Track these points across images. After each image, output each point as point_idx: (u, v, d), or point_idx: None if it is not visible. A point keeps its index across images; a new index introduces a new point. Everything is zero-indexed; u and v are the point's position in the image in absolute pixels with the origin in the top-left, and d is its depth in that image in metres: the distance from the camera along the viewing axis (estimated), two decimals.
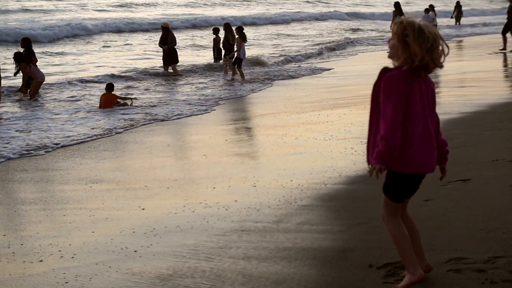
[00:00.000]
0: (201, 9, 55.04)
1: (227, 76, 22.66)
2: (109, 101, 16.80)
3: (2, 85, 17.59)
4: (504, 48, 25.10)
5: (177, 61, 24.12)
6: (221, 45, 24.52)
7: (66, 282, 5.30)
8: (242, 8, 58.20)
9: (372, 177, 4.22)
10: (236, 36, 22.12)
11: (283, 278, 4.85)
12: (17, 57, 19.34)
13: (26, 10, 46.10)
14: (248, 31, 37.19)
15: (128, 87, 21.17)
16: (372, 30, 42.17)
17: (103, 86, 18.09)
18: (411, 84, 4.23)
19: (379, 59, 24.06)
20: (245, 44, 22.33)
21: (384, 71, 4.32)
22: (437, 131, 4.48)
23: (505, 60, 22.84)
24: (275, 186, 7.73)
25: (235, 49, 22.15)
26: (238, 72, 22.06)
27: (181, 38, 35.36)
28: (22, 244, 6.45)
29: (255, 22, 47.20)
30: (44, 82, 19.43)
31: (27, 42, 19.56)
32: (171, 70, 23.95)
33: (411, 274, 4.44)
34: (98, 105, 16.91)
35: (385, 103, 4.24)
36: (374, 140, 4.34)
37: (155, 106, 16.83)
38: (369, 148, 4.39)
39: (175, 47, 23.88)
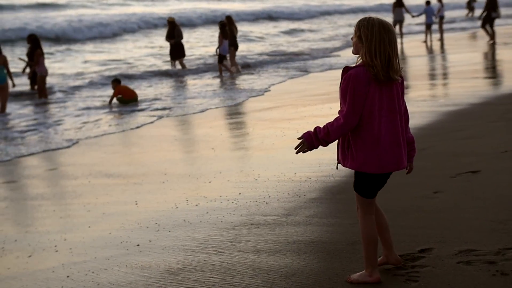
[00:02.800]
0: (230, 3, 54.72)
1: (234, 69, 22.70)
2: (130, 89, 17.00)
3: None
4: (492, 39, 25.29)
5: (184, 55, 24.15)
6: None
7: (68, 276, 5.30)
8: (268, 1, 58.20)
9: (295, 150, 4.33)
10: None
11: (293, 271, 4.84)
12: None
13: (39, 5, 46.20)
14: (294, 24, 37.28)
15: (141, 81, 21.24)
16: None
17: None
18: (370, 84, 4.17)
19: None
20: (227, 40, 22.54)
21: (345, 70, 4.27)
22: (406, 129, 4.43)
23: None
24: (283, 179, 7.72)
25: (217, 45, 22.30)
26: (219, 67, 22.12)
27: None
28: (30, 239, 6.47)
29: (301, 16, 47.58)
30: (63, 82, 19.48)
31: (34, 38, 19.42)
32: (179, 67, 23.96)
33: (368, 275, 4.46)
34: (110, 98, 16.95)
35: (342, 104, 4.23)
36: (345, 141, 4.34)
37: (166, 102, 16.87)
38: (342, 150, 4.37)
39: (181, 41, 23.89)
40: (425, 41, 28.64)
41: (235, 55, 23.29)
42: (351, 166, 4.34)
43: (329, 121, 4.28)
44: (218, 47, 22.15)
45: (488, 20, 25.65)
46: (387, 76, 4.18)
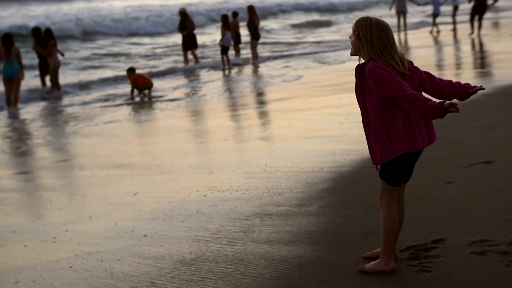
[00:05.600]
0: None
1: (254, 61, 22.71)
2: (144, 77, 17.10)
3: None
4: (472, 33, 25.35)
5: (196, 46, 24.15)
6: (239, 29, 24.60)
7: (81, 267, 5.33)
8: None
9: (456, 110, 4.23)
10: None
11: (306, 262, 4.85)
12: (46, 32, 19.16)
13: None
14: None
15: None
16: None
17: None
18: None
19: (418, 39, 23.90)
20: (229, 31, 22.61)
21: (360, 68, 4.30)
22: (436, 80, 4.48)
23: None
24: (296, 170, 7.72)
25: (221, 37, 22.47)
26: (222, 59, 22.11)
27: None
28: (43, 230, 6.51)
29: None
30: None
31: (41, 32, 19.39)
32: (191, 56, 23.97)
33: (384, 264, 4.46)
34: (131, 89, 16.98)
35: (386, 92, 4.19)
36: (374, 138, 4.36)
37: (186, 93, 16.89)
38: (383, 144, 4.35)
39: (193, 32, 23.90)
40: (438, 31, 28.47)
41: (257, 45, 23.27)
42: (396, 154, 4.30)
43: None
44: (221, 40, 22.28)
45: (478, 11, 25.46)
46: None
